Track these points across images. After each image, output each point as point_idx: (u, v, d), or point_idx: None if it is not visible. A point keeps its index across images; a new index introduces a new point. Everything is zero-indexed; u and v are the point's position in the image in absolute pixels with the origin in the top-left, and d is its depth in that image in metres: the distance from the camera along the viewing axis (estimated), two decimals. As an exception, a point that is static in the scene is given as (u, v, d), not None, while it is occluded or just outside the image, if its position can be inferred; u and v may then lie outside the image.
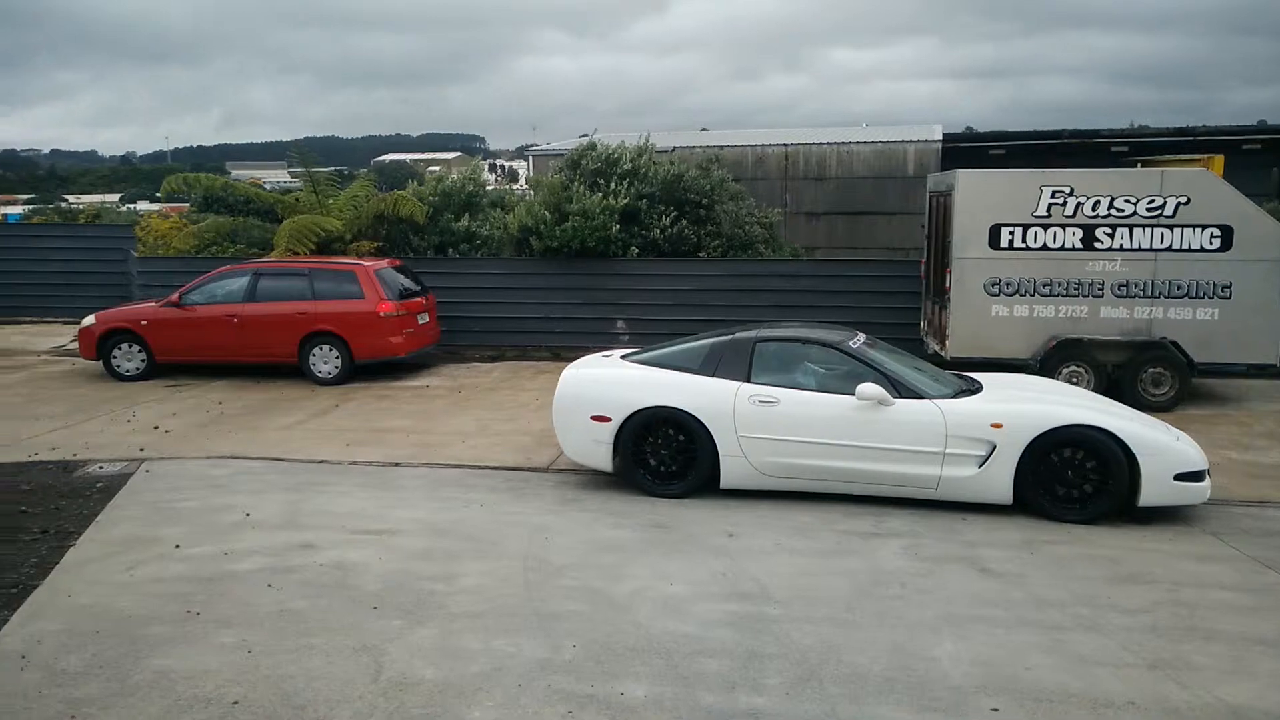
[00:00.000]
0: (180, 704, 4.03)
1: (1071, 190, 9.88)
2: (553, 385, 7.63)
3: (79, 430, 9.07)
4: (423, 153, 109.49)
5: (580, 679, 4.30)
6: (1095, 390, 9.21)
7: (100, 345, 11.66)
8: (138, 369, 11.65)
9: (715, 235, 14.00)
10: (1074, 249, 9.96)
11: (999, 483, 6.54)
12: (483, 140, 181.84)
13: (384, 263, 12.29)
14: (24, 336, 14.48)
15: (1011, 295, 10.16)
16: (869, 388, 6.67)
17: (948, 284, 10.31)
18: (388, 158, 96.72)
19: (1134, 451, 6.36)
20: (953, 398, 6.85)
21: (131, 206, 47.91)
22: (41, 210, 39.66)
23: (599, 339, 13.22)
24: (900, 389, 6.78)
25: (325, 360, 11.54)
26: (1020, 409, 6.68)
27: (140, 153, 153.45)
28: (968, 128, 30.64)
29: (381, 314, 11.48)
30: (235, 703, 4.05)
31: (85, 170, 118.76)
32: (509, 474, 7.82)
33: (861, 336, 7.52)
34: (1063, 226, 9.94)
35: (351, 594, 5.26)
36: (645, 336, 13.16)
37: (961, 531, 6.33)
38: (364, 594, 5.26)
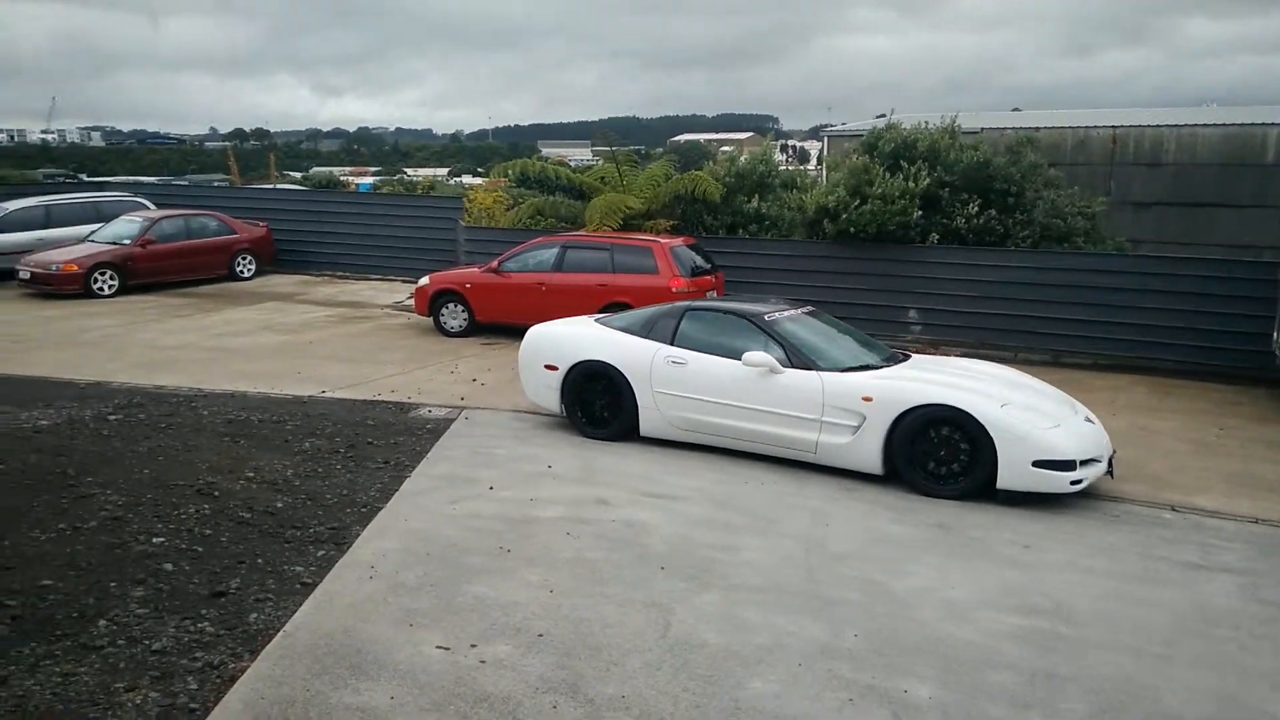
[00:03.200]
0: (495, 628, 4.52)
1: None
2: None
3: (412, 377, 10.32)
4: (716, 133, 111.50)
5: (860, 668, 4.28)
6: None
7: (432, 303, 13.13)
8: (461, 326, 12.99)
9: (1026, 224, 13.01)
10: None
11: (869, 452, 6.95)
12: (776, 120, 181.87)
13: (678, 240, 12.72)
14: (372, 291, 16.66)
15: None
16: (754, 355, 7.27)
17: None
18: (683, 138, 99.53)
19: (991, 435, 6.50)
20: (852, 370, 7.26)
21: (458, 180, 53.35)
22: (387, 181, 45.18)
23: (889, 327, 12.84)
24: (794, 359, 7.29)
25: (620, 329, 12.20)
26: (891, 385, 7.00)
27: (467, 131, 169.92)
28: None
29: (673, 289, 11.89)
30: (540, 635, 4.47)
31: (422, 146, 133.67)
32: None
33: (792, 311, 8.07)
34: None
35: (640, 552, 5.58)
36: (940, 328, 12.62)
37: (1312, 577, 5.48)
38: (652, 553, 5.56)
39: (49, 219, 17.04)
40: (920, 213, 12.61)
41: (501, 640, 4.40)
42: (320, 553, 5.33)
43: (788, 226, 14.51)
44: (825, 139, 23.76)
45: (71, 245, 15.96)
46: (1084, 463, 6.60)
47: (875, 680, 4.17)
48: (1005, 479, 6.54)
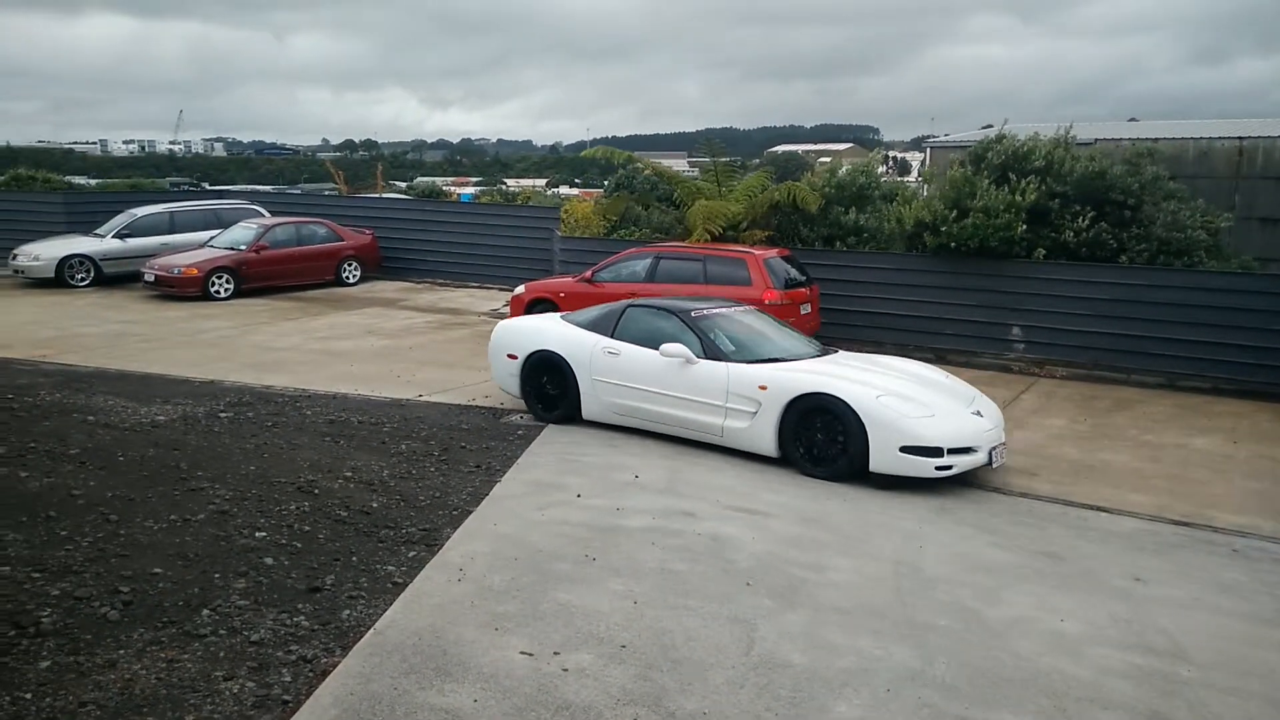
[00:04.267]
0: (578, 636, 4.52)
1: None
2: None
3: (506, 383, 10.47)
4: (815, 144, 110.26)
5: (952, 698, 4.11)
6: None
7: (527, 311, 13.30)
8: (553, 334, 13.16)
9: (1142, 239, 12.38)
10: None
11: (765, 436, 7.54)
12: (877, 131, 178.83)
13: (773, 252, 12.59)
14: (470, 298, 17.04)
15: None
16: (670, 346, 7.96)
17: None
18: (780, 148, 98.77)
19: (864, 422, 7.04)
20: (758, 362, 7.85)
21: (555, 190, 54.22)
22: (487, 191, 46.22)
23: (990, 344, 12.44)
24: (709, 351, 7.97)
25: (711, 341, 12.14)
26: (783, 375, 7.60)
27: (565, 142, 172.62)
28: None
29: (766, 301, 11.75)
30: (623, 646, 4.45)
31: (522, 157, 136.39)
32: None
33: (725, 309, 8.73)
34: None
35: (725, 566, 5.51)
36: (1045, 347, 12.13)
37: None
38: (737, 568, 5.48)
39: (173, 225, 18.05)
40: (1025, 226, 12.15)
41: (584, 649, 4.39)
42: (412, 553, 5.44)
43: (886, 239, 14.20)
44: (928, 150, 23.22)
45: (192, 250, 16.86)
46: (954, 451, 7.06)
47: (968, 711, 3.99)
48: (876, 462, 7.10)
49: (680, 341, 8.03)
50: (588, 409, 8.53)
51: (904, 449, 7.00)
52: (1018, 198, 12.20)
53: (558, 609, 4.80)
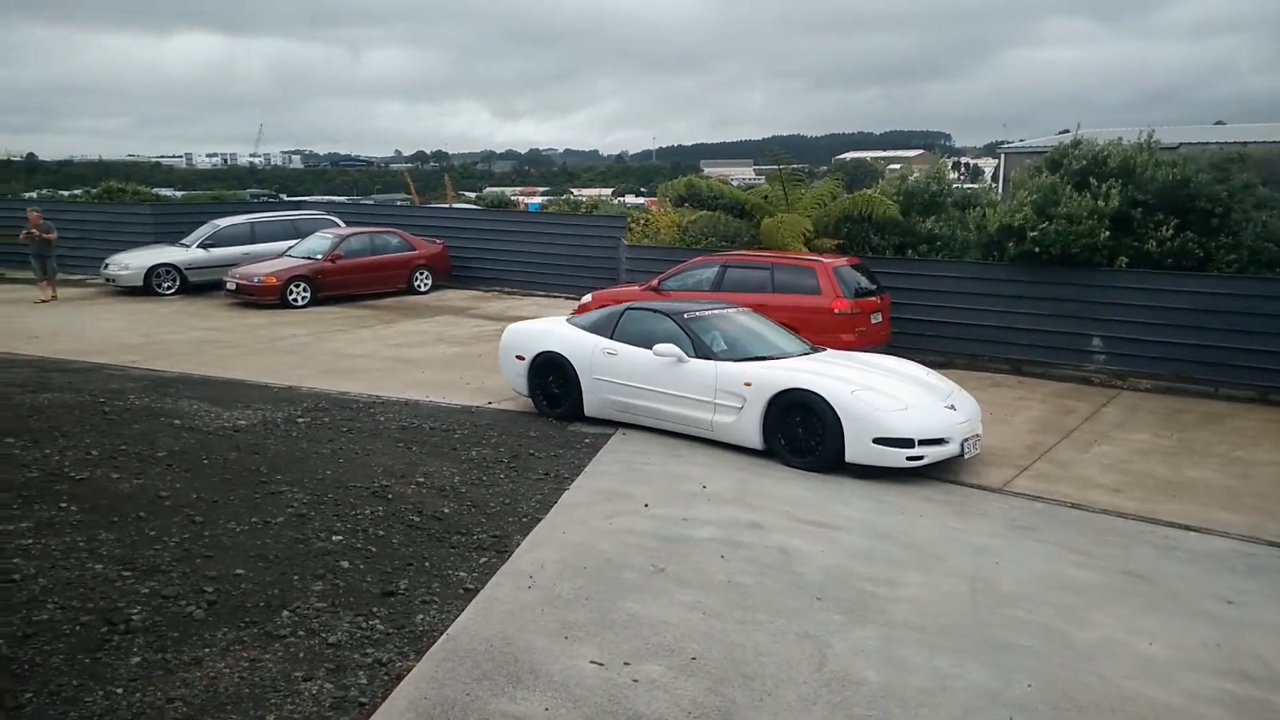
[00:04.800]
0: (648, 647, 4.51)
1: None
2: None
3: (574, 391, 10.54)
4: (884, 150, 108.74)
5: (1033, 722, 3.98)
6: None
7: (593, 319, 13.42)
8: (620, 343, 13.20)
9: (1230, 249, 11.89)
10: None
11: (750, 430, 7.97)
12: (948, 137, 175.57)
13: (843, 260, 12.41)
14: (537, 307, 17.21)
15: None
16: (662, 346, 8.40)
17: None
18: (848, 156, 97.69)
19: (839, 415, 7.44)
20: (744, 360, 8.30)
21: (621, 199, 54.52)
22: (554, 201, 46.70)
23: (1069, 355, 12.07)
24: (699, 351, 8.39)
25: (778, 351, 12.02)
26: (767, 372, 8.02)
27: (632, 151, 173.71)
28: None
29: (835, 310, 11.61)
30: (693, 658, 4.42)
31: (588, 167, 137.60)
32: (954, 487, 7.51)
33: (717, 310, 9.18)
34: None
35: (794, 580, 5.44)
36: (1127, 358, 11.72)
37: None
38: (807, 582, 5.41)
39: (253, 235, 18.65)
40: (1108, 234, 11.77)
41: (654, 660, 4.38)
42: (482, 559, 5.50)
43: (960, 247, 13.89)
44: (1002, 156, 22.73)
45: (271, 259, 17.40)
46: (925, 442, 7.43)
47: (1051, 737, 3.86)
48: (851, 453, 7.49)
49: (673, 342, 8.45)
50: (589, 406, 8.96)
51: (876, 440, 7.38)
52: (1100, 203, 11.83)
53: (627, 619, 4.80)
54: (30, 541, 5.21)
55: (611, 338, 8.93)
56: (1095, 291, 11.94)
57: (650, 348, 8.55)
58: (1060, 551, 6.12)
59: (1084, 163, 12.63)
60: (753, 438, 7.99)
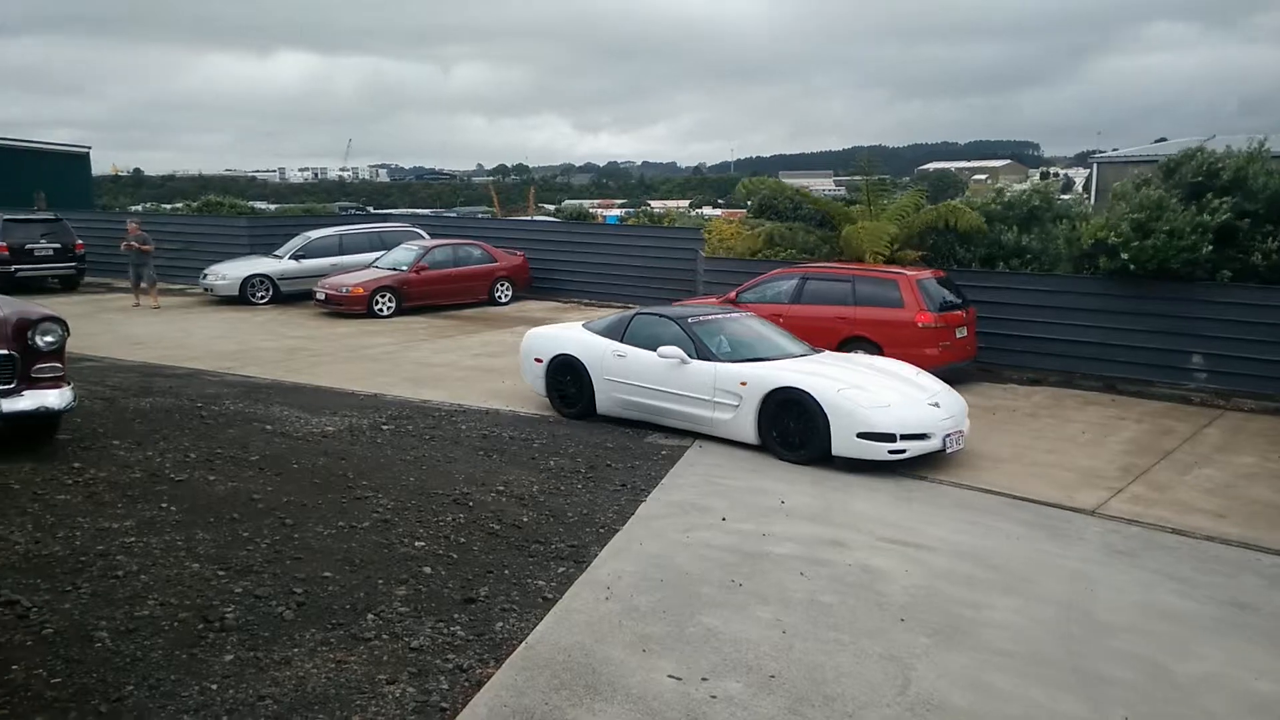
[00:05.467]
0: (726, 663, 4.46)
1: None
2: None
3: (651, 403, 10.55)
4: (969, 160, 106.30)
5: (1132, 758, 3.79)
6: None
7: (671, 331, 13.41)
8: (698, 355, 13.15)
9: (1348, 261, 11.22)
10: None
11: (746, 426, 8.42)
12: (1036, 147, 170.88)
13: (927, 273, 12.14)
14: (614, 318, 17.32)
15: None
16: (666, 349, 8.87)
17: None
18: (931, 166, 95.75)
19: (826, 411, 7.89)
20: (742, 361, 8.75)
21: (698, 211, 54.53)
22: (632, 213, 46.97)
23: (1167, 373, 11.57)
24: (700, 352, 8.85)
25: (859, 365, 11.80)
26: (761, 372, 8.48)
27: (709, 163, 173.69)
28: None
29: (919, 324, 11.36)
30: (772, 676, 4.35)
31: (666, 179, 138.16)
32: (1045, 509, 7.25)
33: (720, 315, 9.80)
34: None
35: (878, 600, 5.32)
36: (1231, 377, 11.17)
37: None
38: (890, 603, 5.28)
39: (342, 247, 19.24)
40: (1211, 247, 11.23)
41: (733, 676, 4.33)
42: (561, 569, 5.53)
43: (1051, 261, 13.44)
44: (1094, 166, 21.98)
45: (358, 270, 17.92)
46: (907, 436, 7.81)
47: (1152, 775, 3.68)
48: (837, 447, 7.92)
49: (676, 345, 8.92)
50: (600, 405, 9.45)
51: (860, 435, 7.81)
52: (1205, 216, 11.29)
53: (705, 633, 4.76)
54: (133, 539, 5.46)
55: (621, 340, 9.41)
56: (1196, 307, 11.41)
57: (653, 349, 9.03)
58: (1160, 579, 5.84)
59: (1199, 177, 12.02)
60: (748, 434, 8.44)
